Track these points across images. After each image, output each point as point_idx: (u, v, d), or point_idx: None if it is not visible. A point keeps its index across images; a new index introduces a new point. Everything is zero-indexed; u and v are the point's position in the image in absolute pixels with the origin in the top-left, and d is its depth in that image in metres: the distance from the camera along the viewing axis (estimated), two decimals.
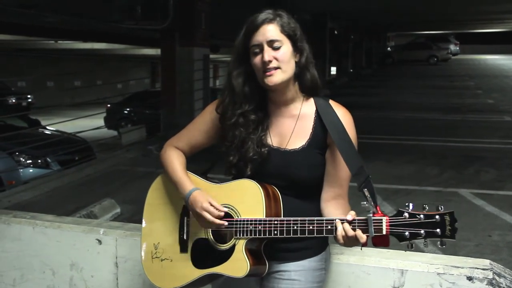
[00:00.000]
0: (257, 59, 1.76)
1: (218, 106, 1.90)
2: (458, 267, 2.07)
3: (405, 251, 2.19)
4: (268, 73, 1.75)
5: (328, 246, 1.98)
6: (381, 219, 1.62)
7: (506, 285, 2.01)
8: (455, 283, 2.05)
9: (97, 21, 10.96)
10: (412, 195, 6.75)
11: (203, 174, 1.98)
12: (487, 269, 2.05)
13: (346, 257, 2.20)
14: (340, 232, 1.65)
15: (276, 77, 1.76)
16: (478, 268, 2.05)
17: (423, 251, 2.18)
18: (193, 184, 1.88)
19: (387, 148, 9.88)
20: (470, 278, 2.03)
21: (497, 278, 2.02)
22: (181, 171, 1.92)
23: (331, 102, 1.87)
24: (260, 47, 1.76)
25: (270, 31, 1.76)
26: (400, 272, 2.12)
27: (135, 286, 2.58)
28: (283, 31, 1.77)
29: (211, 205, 1.80)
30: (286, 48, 1.77)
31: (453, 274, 2.06)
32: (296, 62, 1.81)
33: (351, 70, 29.91)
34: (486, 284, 2.01)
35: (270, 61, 1.74)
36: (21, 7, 8.84)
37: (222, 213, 1.80)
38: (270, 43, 1.75)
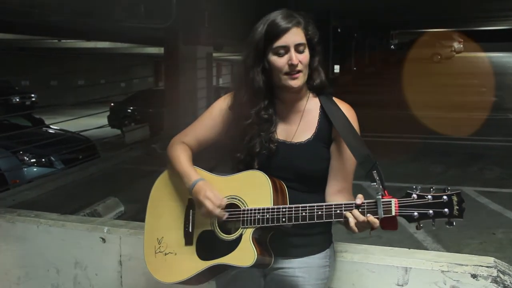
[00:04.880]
0: (281, 61, 1.78)
1: (233, 105, 1.91)
2: (462, 264, 2.07)
3: (409, 248, 2.20)
4: (294, 76, 1.78)
5: (333, 243, 1.98)
6: (390, 201, 1.65)
7: (510, 282, 2.01)
8: (459, 281, 2.05)
9: (100, 20, 10.95)
10: None
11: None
12: (492, 267, 2.04)
13: (350, 255, 2.20)
14: (351, 220, 1.66)
15: (300, 81, 1.80)
16: (482, 266, 2.05)
17: (426, 249, 2.18)
18: (198, 175, 1.88)
19: (391, 146, 9.85)
20: (474, 276, 2.03)
21: (501, 275, 2.02)
22: (187, 162, 1.92)
23: (335, 99, 1.90)
24: (286, 49, 1.78)
25: (299, 34, 1.78)
26: (404, 270, 2.12)
27: (140, 284, 2.59)
28: (307, 34, 1.81)
29: (214, 194, 1.80)
30: (307, 51, 1.81)
31: (457, 272, 2.05)
32: (309, 64, 1.83)
33: (355, 68, 29.86)
34: (490, 282, 2.01)
35: (297, 64, 1.77)
36: (24, 6, 8.86)
37: (224, 203, 1.80)
38: (297, 46, 1.78)
